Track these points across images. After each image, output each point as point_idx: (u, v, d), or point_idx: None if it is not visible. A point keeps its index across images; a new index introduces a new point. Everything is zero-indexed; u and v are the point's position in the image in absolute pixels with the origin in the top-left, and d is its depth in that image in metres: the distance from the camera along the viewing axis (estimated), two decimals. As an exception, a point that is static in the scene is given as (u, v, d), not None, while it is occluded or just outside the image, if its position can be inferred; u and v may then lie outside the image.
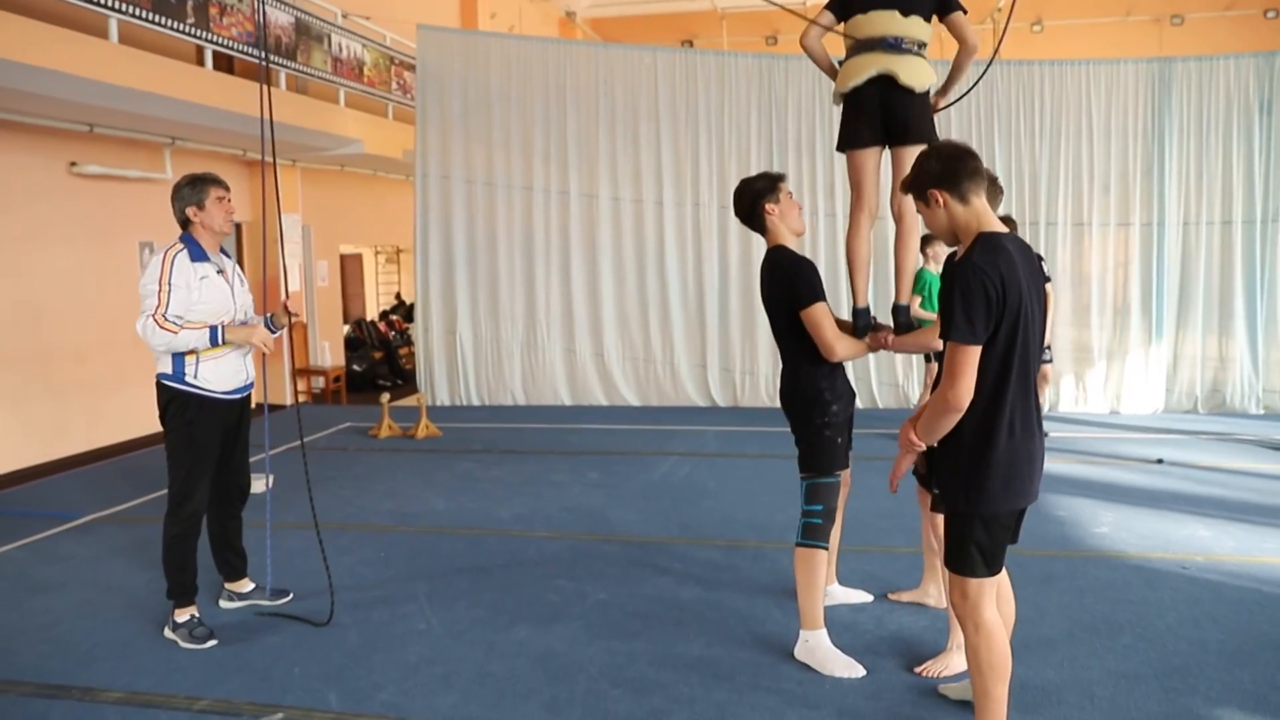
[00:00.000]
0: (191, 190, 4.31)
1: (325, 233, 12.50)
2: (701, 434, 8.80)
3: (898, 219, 3.98)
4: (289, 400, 11.16)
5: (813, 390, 3.80)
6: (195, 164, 9.93)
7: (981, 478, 2.83)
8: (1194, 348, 9.73)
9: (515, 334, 10.44)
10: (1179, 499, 6.34)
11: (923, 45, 4.01)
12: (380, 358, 13.40)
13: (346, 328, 13.48)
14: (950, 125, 9.72)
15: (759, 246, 3.93)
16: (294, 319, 4.58)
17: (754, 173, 4.12)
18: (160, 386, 4.26)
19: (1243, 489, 6.62)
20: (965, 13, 3.97)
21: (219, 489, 4.45)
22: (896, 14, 3.96)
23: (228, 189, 4.43)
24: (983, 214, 2.88)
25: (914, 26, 3.97)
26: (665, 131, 10.13)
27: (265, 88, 4.30)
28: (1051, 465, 7.32)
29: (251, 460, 4.73)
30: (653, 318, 10.28)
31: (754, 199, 3.88)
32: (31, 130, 8.03)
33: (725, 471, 7.29)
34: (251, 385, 4.55)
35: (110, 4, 7.17)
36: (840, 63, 4.12)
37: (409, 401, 10.76)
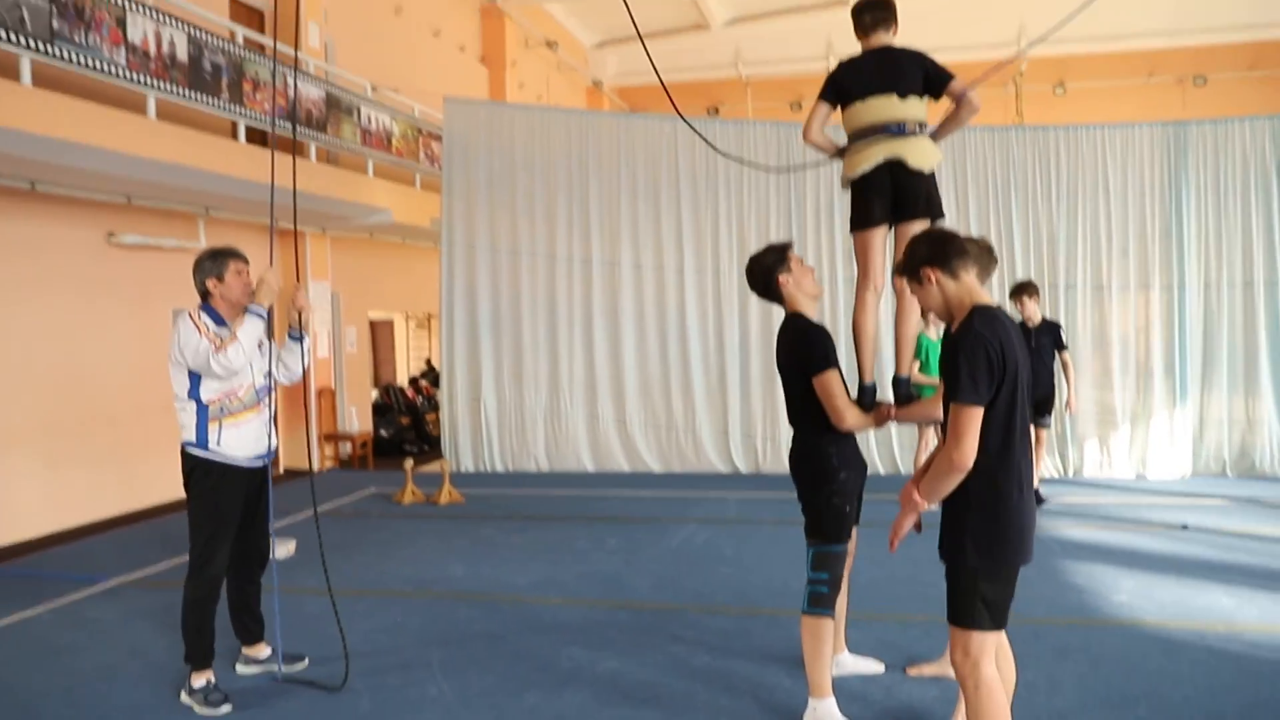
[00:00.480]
0: (212, 263, 4.47)
1: (354, 300, 12.75)
2: (722, 500, 8.80)
3: (899, 293, 4.05)
4: (316, 466, 11.31)
5: (821, 457, 3.84)
6: (229, 233, 10.24)
7: (996, 535, 2.95)
8: (1220, 410, 9.63)
9: (539, 401, 10.55)
10: (1202, 566, 6.25)
11: (924, 125, 4.12)
12: (407, 423, 13.53)
13: (375, 393, 13.65)
14: (969, 190, 9.84)
15: (779, 312, 4.02)
16: (304, 311, 4.69)
17: (775, 239, 4.23)
18: (185, 454, 4.36)
19: (1270, 556, 6.51)
20: (953, 77, 4.07)
21: (239, 554, 4.52)
22: (895, 98, 4.07)
23: (247, 262, 4.58)
24: (974, 288, 3.06)
25: (913, 108, 4.09)
26: (686, 199, 10.31)
27: (272, 154, 4.45)
28: (1072, 531, 7.37)
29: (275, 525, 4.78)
30: (675, 384, 10.36)
31: (766, 274, 3.96)
32: (71, 202, 8.34)
33: (744, 538, 7.28)
34: (273, 453, 4.63)
35: (149, 82, 7.48)
36: (843, 149, 4.22)
37: (434, 468, 10.87)
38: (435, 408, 13.68)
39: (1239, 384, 9.62)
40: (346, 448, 11.93)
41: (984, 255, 3.86)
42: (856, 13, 4.29)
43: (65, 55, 6.69)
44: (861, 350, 4.13)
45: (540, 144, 10.46)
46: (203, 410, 4.33)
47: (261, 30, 10.85)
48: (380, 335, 16.82)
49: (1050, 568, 6.21)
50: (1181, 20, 18.43)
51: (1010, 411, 2.95)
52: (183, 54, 7.77)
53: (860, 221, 4.15)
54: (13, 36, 6.34)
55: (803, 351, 3.84)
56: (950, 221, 9.45)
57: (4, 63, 6.52)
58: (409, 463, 9.15)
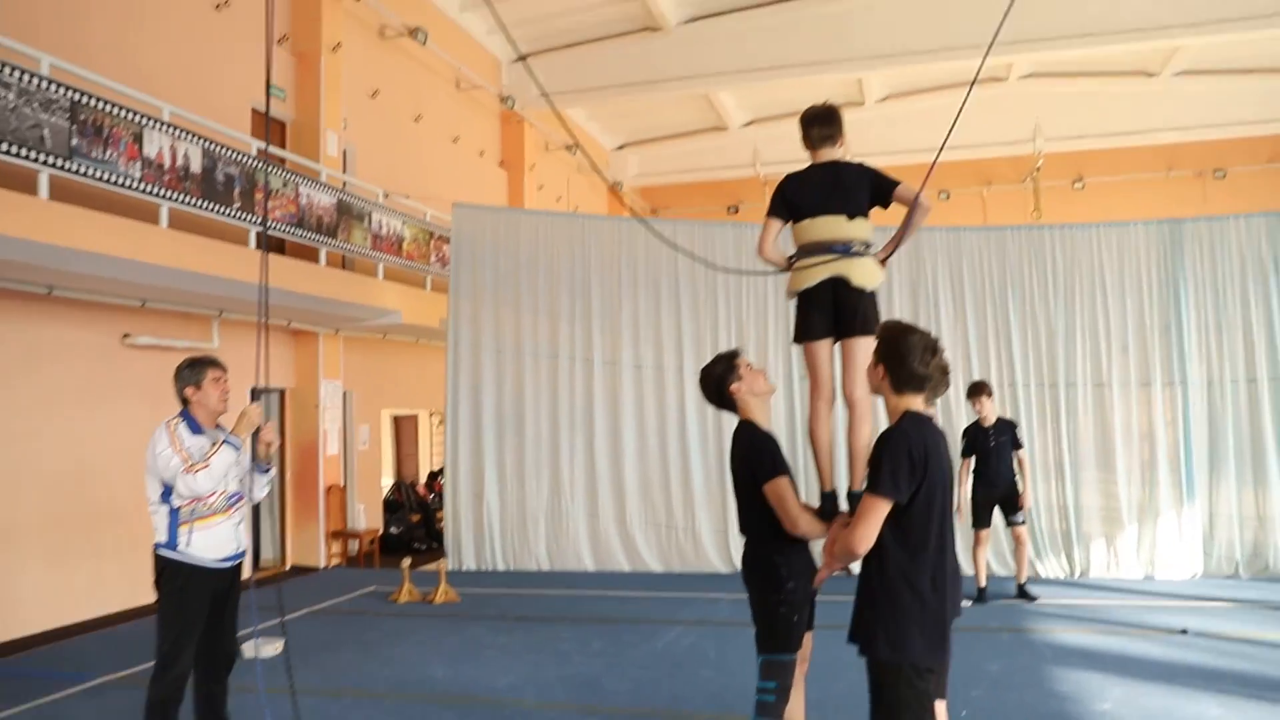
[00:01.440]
0: (190, 372, 4.65)
1: (367, 398, 12.98)
2: (715, 601, 8.73)
3: (850, 404, 4.12)
4: (322, 562, 11.39)
5: (769, 566, 3.87)
6: (242, 334, 10.55)
7: (906, 629, 3.01)
8: (1229, 506, 9.47)
9: (540, 499, 10.61)
10: (1197, 673, 6.10)
11: (869, 245, 4.26)
12: (418, 520, 13.60)
13: (386, 490, 13.77)
14: (965, 289, 9.95)
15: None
16: (270, 446, 4.76)
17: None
18: (155, 555, 4.49)
19: (1270, 663, 6.35)
20: (899, 183, 4.21)
21: (206, 655, 4.59)
22: (842, 219, 4.21)
23: (224, 370, 4.76)
24: (911, 404, 3.20)
25: (859, 228, 4.23)
26: (686, 299, 10.50)
27: (264, 260, 4.64)
28: (1067, 635, 7.24)
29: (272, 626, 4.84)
30: (675, 483, 10.39)
31: (718, 385, 4.07)
32: (87, 305, 8.66)
33: (730, 641, 7.20)
34: (243, 554, 4.73)
35: (163, 193, 7.85)
36: (791, 259, 4.36)
37: (437, 566, 10.90)
38: (446, 505, 13.78)
39: (1247, 480, 9.48)
40: (355, 545, 11.99)
41: (939, 383, 3.98)
42: (804, 125, 4.45)
43: (82, 170, 7.06)
44: (819, 458, 4.19)
45: (544, 247, 10.75)
46: (174, 514, 4.47)
47: (284, 141, 11.35)
48: (404, 430, 17.02)
49: (1037, 673, 6.10)
50: (1200, 115, 18.68)
51: (928, 511, 3.05)
52: (196, 166, 8.16)
53: (804, 334, 4.26)
54: (32, 154, 6.71)
55: (753, 460, 3.91)
56: (948, 321, 9.70)
57: (24, 176, 6.89)
58: (406, 561, 9.20)
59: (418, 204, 12.46)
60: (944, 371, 4.13)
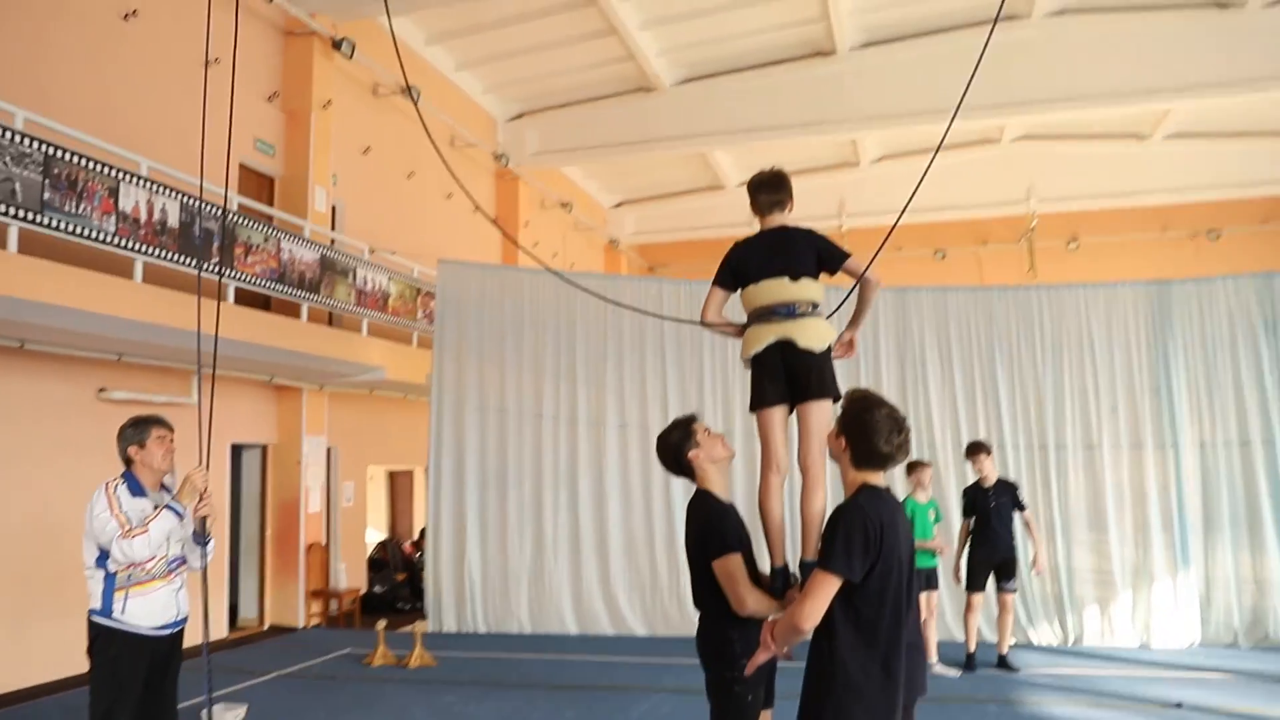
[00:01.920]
0: (134, 431, 4.53)
1: (353, 454, 12.84)
2: (699, 667, 8.45)
3: (804, 470, 3.97)
4: (302, 622, 11.15)
5: (722, 642, 3.68)
6: (222, 389, 10.33)
7: (851, 711, 2.88)
8: (1226, 571, 9.23)
9: (523, 560, 10.39)
10: (1189, 751, 5.86)
11: (816, 305, 4.15)
12: (403, 579, 13.38)
13: (370, 549, 13.56)
14: (952, 350, 9.83)
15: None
16: (204, 500, 4.47)
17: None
18: (89, 621, 4.32)
19: (1265, 740, 6.10)
20: (848, 255, 4.11)
21: (144, 726, 4.40)
22: (786, 280, 4.10)
23: (170, 429, 4.64)
24: (870, 479, 3.08)
25: (804, 289, 4.11)
26: (671, 358, 10.39)
27: (198, 314, 4.53)
28: (1055, 708, 7.01)
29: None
30: (659, 544, 10.16)
31: (675, 453, 3.90)
32: (63, 360, 8.56)
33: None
34: (183, 621, 4.55)
35: (138, 248, 7.79)
36: (743, 326, 4.25)
37: (418, 628, 10.65)
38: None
39: (1244, 544, 9.26)
40: (336, 604, 11.74)
41: (898, 457, 3.87)
42: (751, 191, 4.37)
43: (54, 224, 7.00)
44: (769, 532, 4.01)
45: (530, 304, 10.67)
46: (110, 579, 4.32)
47: (272, 196, 11.34)
48: (399, 486, 16.85)
49: (1022, 750, 5.85)
50: (1192, 177, 18.74)
51: (882, 590, 2.91)
52: (174, 220, 8.12)
53: (756, 401, 4.12)
54: (2, 208, 6.66)
55: (705, 534, 3.75)
56: (935, 382, 9.55)
57: (-6, 231, 6.83)
58: (381, 624, 8.97)
59: (403, 260, 12.43)
60: (903, 448, 4.00)
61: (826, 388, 4.06)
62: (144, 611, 4.32)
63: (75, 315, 7.32)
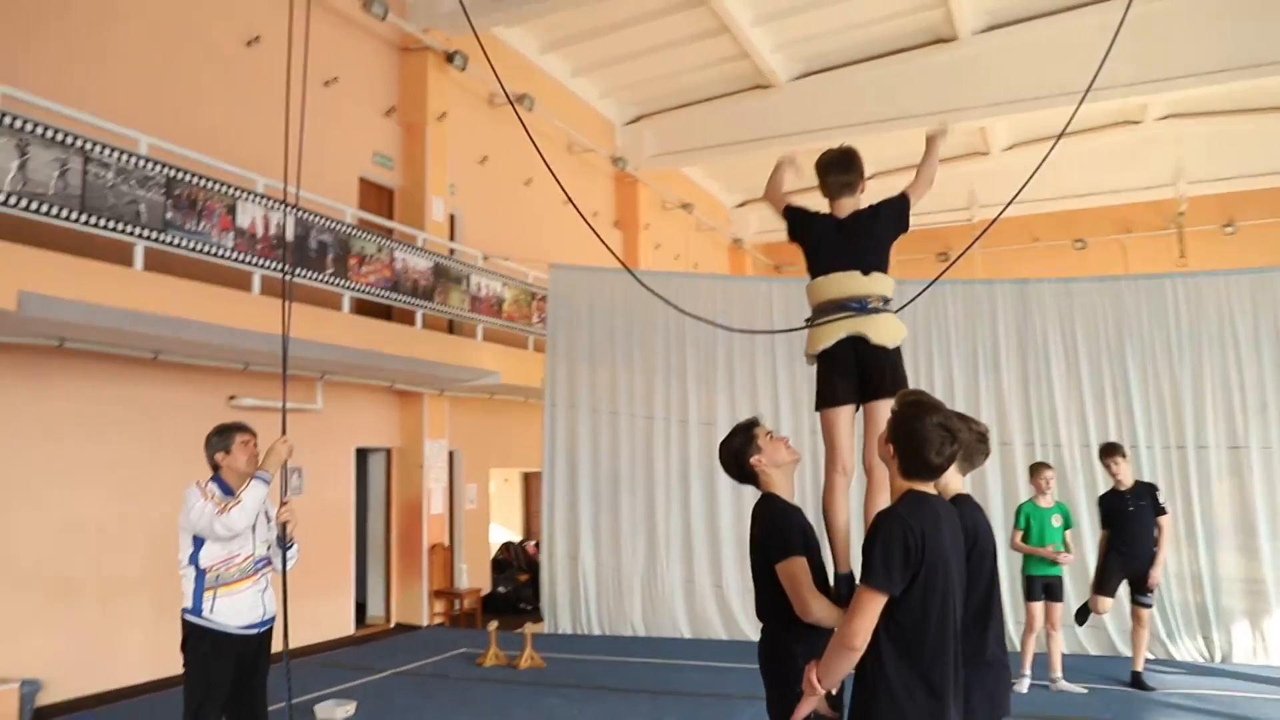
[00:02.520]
0: (219, 439, 4.72)
1: (475, 457, 13.11)
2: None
3: (868, 471, 3.79)
4: (425, 621, 11.45)
5: (784, 656, 3.51)
6: (347, 395, 10.84)
7: None
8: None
9: (636, 563, 10.37)
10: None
11: (887, 300, 3.98)
12: (526, 580, 13.56)
13: (495, 550, 13.81)
14: (1078, 343, 9.28)
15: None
16: (285, 507, 4.69)
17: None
18: (182, 620, 4.51)
19: None
20: (905, 194, 4.10)
21: (235, 722, 4.57)
22: (858, 274, 3.96)
23: (253, 434, 4.80)
24: (917, 486, 2.90)
25: (876, 284, 3.95)
26: (781, 356, 10.16)
27: (284, 314, 4.67)
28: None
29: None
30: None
31: (736, 459, 3.75)
32: (195, 369, 9.04)
33: None
34: (270, 621, 4.68)
35: (255, 261, 8.15)
36: (807, 320, 4.10)
37: (536, 628, 10.77)
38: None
39: None
40: (458, 604, 11.98)
41: (975, 453, 3.66)
42: (820, 172, 4.24)
43: (175, 242, 7.39)
44: (834, 537, 3.84)
45: (639, 306, 10.62)
46: (200, 577, 4.49)
47: (391, 207, 11.70)
48: (533, 488, 17.14)
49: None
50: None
51: (925, 606, 2.74)
52: (290, 234, 8.45)
53: (823, 399, 3.96)
54: (129, 228, 7.08)
55: (767, 537, 3.61)
56: (1059, 379, 9.02)
57: (122, 248, 7.26)
58: (493, 625, 9.12)
59: (518, 266, 12.63)
60: (982, 439, 3.76)
61: (898, 385, 3.88)
62: (231, 611, 4.48)
63: (198, 327, 7.71)
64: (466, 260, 11.35)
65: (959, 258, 4.73)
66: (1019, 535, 7.39)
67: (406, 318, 10.47)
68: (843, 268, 3.97)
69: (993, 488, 9.13)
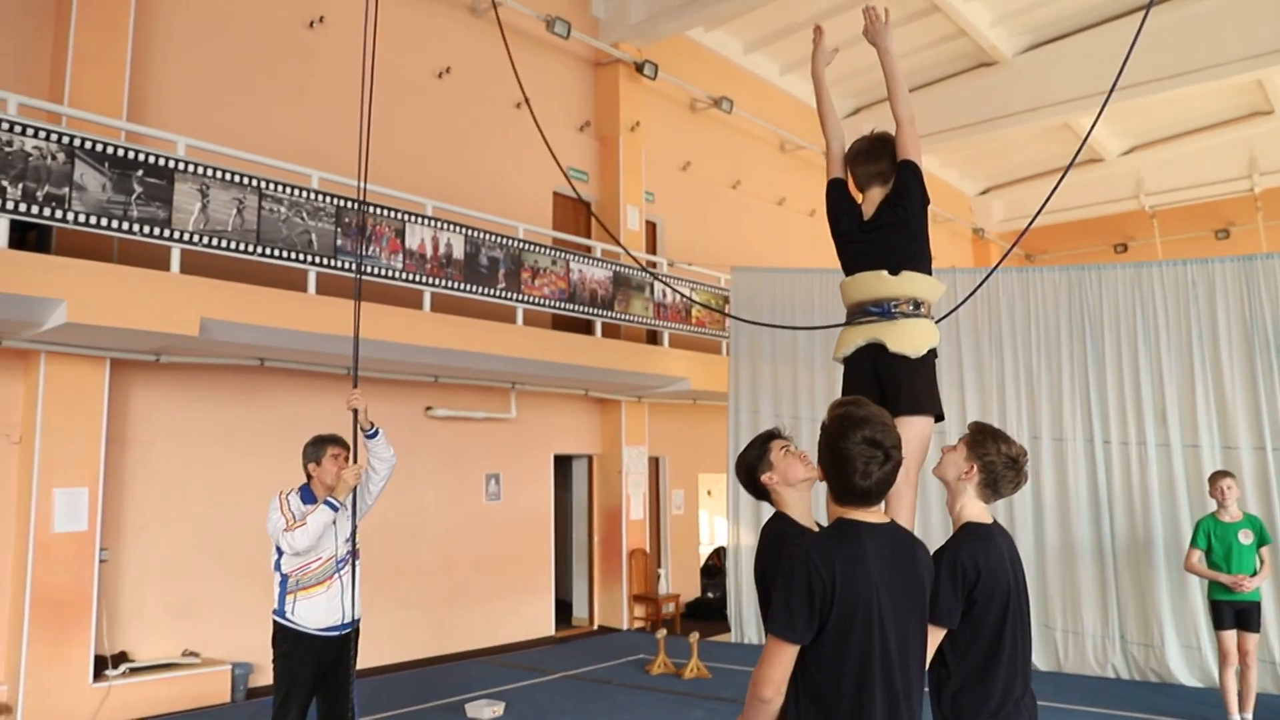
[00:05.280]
0: (313, 449, 5.02)
1: (682, 463, 13.18)
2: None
3: (886, 497, 3.41)
4: (625, 625, 11.65)
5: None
6: (541, 404, 11.25)
7: None
8: None
9: (822, 572, 9.96)
10: None
11: (919, 304, 3.56)
12: (736, 586, 13.44)
13: (705, 556, 13.80)
14: (1162, 332, 7.89)
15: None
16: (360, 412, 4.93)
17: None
18: (273, 620, 4.87)
19: None
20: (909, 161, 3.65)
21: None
22: (884, 274, 3.58)
23: (346, 447, 5.05)
24: (849, 515, 2.61)
25: (906, 284, 3.55)
26: (968, 364, 9.41)
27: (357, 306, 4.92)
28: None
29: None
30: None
31: (749, 474, 3.48)
32: (396, 384, 9.74)
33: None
34: (350, 625, 4.92)
35: (425, 280, 8.65)
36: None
37: (723, 638, 10.66)
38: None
39: None
40: (669, 607, 12.04)
41: (1004, 481, 3.23)
42: (849, 163, 3.88)
43: (346, 266, 8.01)
44: None
45: (820, 305, 10.22)
46: (284, 581, 4.83)
47: (589, 225, 11.98)
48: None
49: None
50: None
51: (840, 655, 2.43)
52: (459, 253, 8.90)
53: None
54: (302, 256, 7.77)
55: (770, 558, 3.33)
56: (1144, 372, 7.81)
57: (297, 275, 7.97)
58: (662, 633, 9.11)
59: (708, 270, 12.55)
60: (1012, 464, 3.23)
61: (919, 402, 3.49)
62: (310, 615, 4.77)
63: (380, 345, 8.30)
64: (652, 267, 11.44)
65: (1003, 259, 4.12)
66: (1197, 555, 6.38)
67: (587, 327, 10.68)
68: (870, 266, 3.62)
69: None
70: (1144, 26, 4.15)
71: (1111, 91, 4.16)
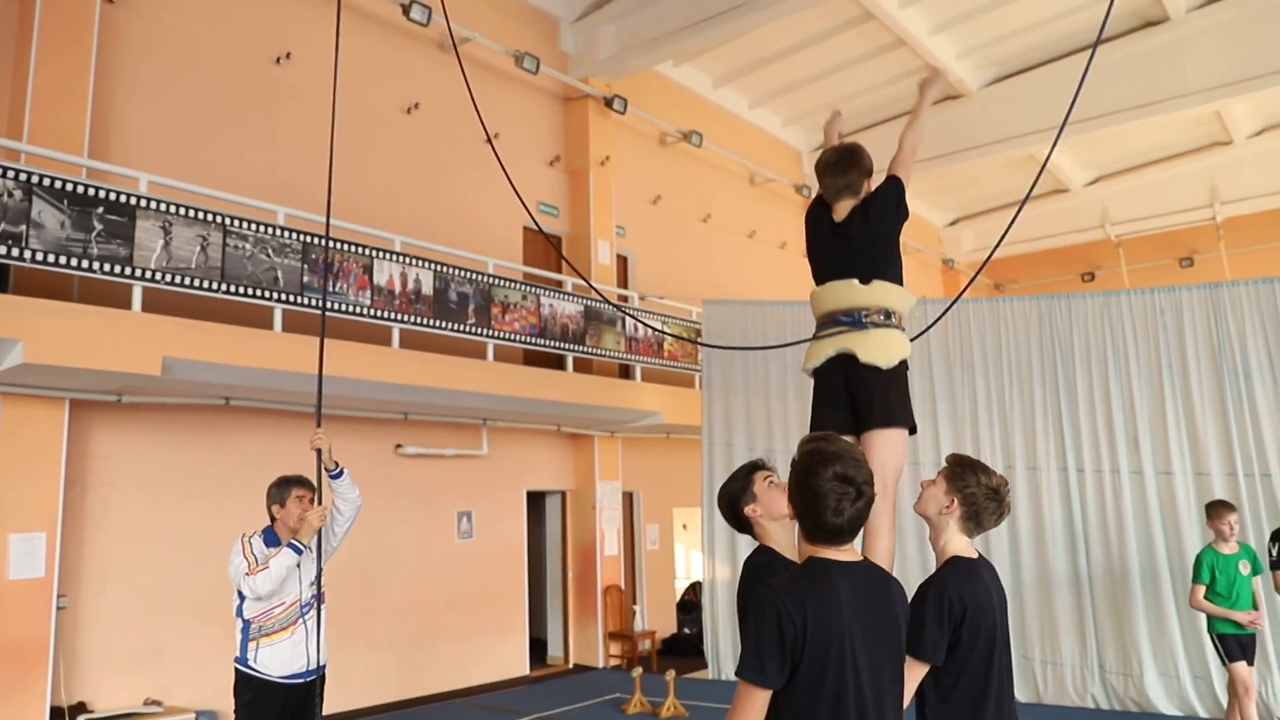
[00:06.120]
0: (277, 491, 4.91)
1: (656, 498, 13.07)
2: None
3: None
4: (601, 662, 11.46)
5: None
6: (515, 439, 11.12)
7: None
8: None
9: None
10: None
11: (890, 314, 3.53)
12: (713, 621, 13.29)
13: (680, 590, 13.66)
14: (1132, 359, 7.94)
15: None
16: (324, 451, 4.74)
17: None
18: (235, 668, 4.72)
19: None
20: (894, 178, 3.73)
21: (286, 770, 4.70)
22: (855, 283, 3.57)
23: (311, 489, 4.93)
24: (821, 554, 2.51)
25: (877, 294, 3.53)
26: (942, 392, 9.42)
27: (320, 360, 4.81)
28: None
29: None
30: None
31: (731, 506, 3.41)
32: (364, 421, 9.59)
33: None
34: (315, 671, 4.78)
35: (393, 316, 8.55)
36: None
37: (700, 674, 10.51)
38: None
39: None
40: (645, 644, 11.88)
41: (985, 513, 3.17)
42: (818, 175, 3.91)
43: (311, 303, 7.89)
44: None
45: (795, 337, 10.19)
46: (246, 627, 4.69)
47: (560, 259, 11.93)
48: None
49: None
50: None
51: (814, 699, 2.34)
52: (428, 288, 8.81)
53: (815, 424, 3.57)
54: (267, 294, 7.65)
55: (748, 596, 3.24)
56: (1116, 400, 7.84)
57: (263, 313, 7.85)
58: (637, 672, 8.97)
59: (678, 303, 12.53)
60: (993, 495, 3.19)
61: (892, 415, 3.45)
62: (273, 662, 4.63)
63: (344, 382, 8.17)
64: (619, 303, 11.39)
65: (970, 283, 4.14)
66: (1202, 590, 6.31)
67: (559, 362, 10.59)
68: (840, 276, 3.61)
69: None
70: (1094, 62, 4.22)
71: (1063, 126, 4.24)
